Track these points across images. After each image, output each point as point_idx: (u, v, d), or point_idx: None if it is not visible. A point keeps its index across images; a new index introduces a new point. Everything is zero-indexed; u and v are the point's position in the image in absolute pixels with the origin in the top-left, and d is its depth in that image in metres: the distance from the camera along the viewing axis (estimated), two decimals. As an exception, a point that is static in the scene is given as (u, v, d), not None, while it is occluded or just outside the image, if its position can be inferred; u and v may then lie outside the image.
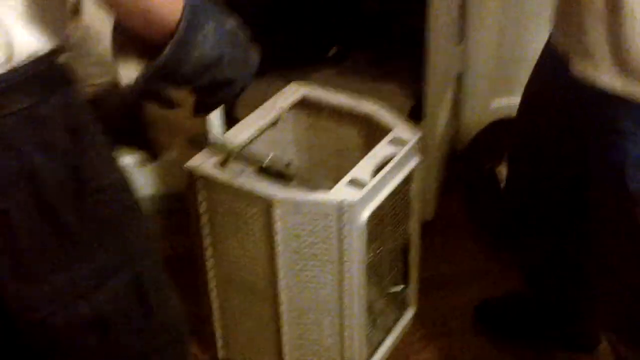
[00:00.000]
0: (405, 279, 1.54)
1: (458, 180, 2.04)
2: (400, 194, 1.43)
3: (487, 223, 1.91)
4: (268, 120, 1.51)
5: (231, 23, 0.90)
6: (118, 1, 0.79)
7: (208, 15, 0.84)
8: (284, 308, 1.41)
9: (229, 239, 1.40)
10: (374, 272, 1.49)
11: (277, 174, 1.34)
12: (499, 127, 2.05)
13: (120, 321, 0.93)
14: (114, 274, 0.90)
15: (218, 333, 1.56)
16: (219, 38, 0.87)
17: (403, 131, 1.45)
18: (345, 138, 1.56)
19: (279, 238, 1.33)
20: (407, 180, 1.44)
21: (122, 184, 0.93)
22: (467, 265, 1.83)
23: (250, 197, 1.31)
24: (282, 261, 1.35)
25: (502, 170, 1.87)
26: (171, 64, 0.83)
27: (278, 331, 1.44)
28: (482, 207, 1.86)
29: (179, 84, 0.88)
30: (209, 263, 1.46)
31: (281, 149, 1.54)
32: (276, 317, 1.42)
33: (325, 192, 1.30)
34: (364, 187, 1.31)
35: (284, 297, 1.40)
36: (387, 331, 1.59)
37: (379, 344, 1.56)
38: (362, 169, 1.35)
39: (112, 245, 0.90)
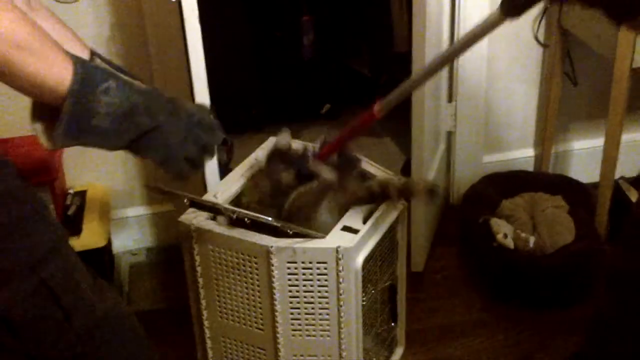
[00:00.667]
0: (394, 318, 1.59)
1: (450, 233, 2.07)
2: (388, 238, 1.49)
3: (482, 273, 1.92)
4: (249, 171, 1.55)
5: (136, 83, 1.02)
6: (11, 82, 0.89)
7: (106, 74, 0.96)
8: (282, 355, 1.44)
9: (225, 290, 1.43)
10: (367, 314, 1.54)
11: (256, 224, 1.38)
12: (492, 181, 2.13)
13: (35, 323, 1.04)
14: (16, 277, 1.01)
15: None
16: (126, 90, 0.98)
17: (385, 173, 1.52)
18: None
19: (276, 286, 1.37)
20: (393, 225, 1.51)
21: (12, 195, 1.02)
22: (460, 317, 1.83)
23: (248, 247, 1.36)
24: (280, 309, 1.39)
25: (496, 222, 1.94)
26: (79, 115, 0.93)
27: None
28: (477, 258, 1.87)
29: (101, 139, 0.97)
30: (205, 314, 1.49)
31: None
32: (273, 363, 1.46)
33: (321, 239, 1.35)
34: (358, 233, 1.37)
35: (282, 345, 1.43)
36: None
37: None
38: (353, 216, 1.41)
39: (8, 251, 1.00)
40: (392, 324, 1.60)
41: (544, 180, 2.16)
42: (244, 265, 1.38)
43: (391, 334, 1.65)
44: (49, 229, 1.05)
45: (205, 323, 1.50)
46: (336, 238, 1.35)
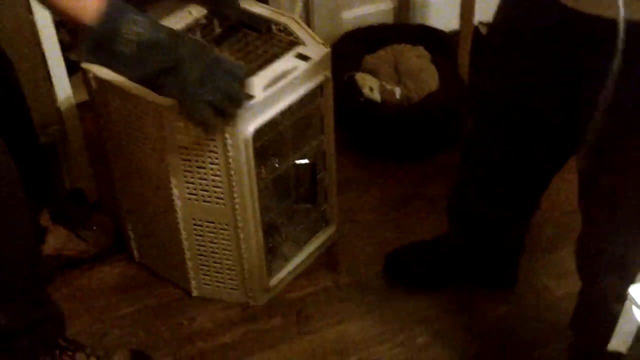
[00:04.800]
0: (312, 198, 1.52)
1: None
2: (302, 110, 1.39)
3: (352, 131, 1.87)
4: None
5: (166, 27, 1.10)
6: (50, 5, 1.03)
7: (137, 10, 1.05)
8: (179, 217, 1.42)
9: (128, 144, 1.40)
10: (273, 189, 1.47)
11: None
12: (353, 38, 2.05)
13: None
14: None
15: (131, 235, 1.59)
16: (154, 25, 1.06)
17: (311, 47, 1.39)
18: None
19: (167, 147, 1.31)
20: (312, 97, 1.40)
21: None
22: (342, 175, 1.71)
23: (137, 101, 1.30)
24: (172, 169, 1.35)
25: (361, 76, 1.86)
26: (103, 37, 1.02)
27: (179, 240, 1.45)
28: (345, 116, 1.79)
29: (122, 65, 1.07)
30: (113, 167, 1.47)
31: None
32: (173, 224, 1.43)
33: (210, 103, 1.27)
34: (252, 100, 1.27)
35: (179, 207, 1.40)
36: (302, 245, 1.59)
37: (291, 255, 1.56)
38: (256, 81, 1.31)
39: None
40: (309, 205, 1.53)
41: (404, 31, 2.08)
42: (136, 121, 1.33)
43: (314, 213, 1.58)
44: None
45: (116, 174, 1.49)
46: (225, 103, 1.27)
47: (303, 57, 1.37)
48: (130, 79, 1.12)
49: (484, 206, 1.36)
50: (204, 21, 1.47)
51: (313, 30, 2.01)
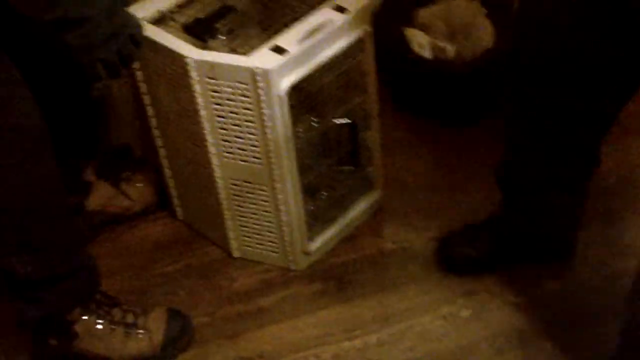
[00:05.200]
0: (355, 160, 1.44)
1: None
2: (340, 67, 1.32)
3: (402, 90, 1.76)
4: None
5: None
6: None
7: None
8: (217, 176, 1.38)
9: (165, 99, 1.36)
10: (311, 148, 1.41)
11: (201, 34, 1.27)
12: None
13: None
14: None
15: (173, 193, 1.57)
16: None
17: (352, -2, 1.31)
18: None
19: (200, 102, 1.27)
20: (351, 52, 1.32)
21: None
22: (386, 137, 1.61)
23: (169, 56, 1.25)
24: (208, 127, 1.30)
25: (411, 32, 1.72)
26: None
27: (218, 200, 1.42)
28: (394, 74, 1.69)
29: (29, 6, 1.01)
30: (153, 124, 1.44)
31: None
32: (212, 183, 1.40)
33: (243, 57, 1.21)
34: (284, 54, 1.21)
35: (215, 164, 1.36)
36: (345, 209, 1.52)
37: (333, 220, 1.50)
38: (290, 35, 1.24)
39: None
40: (351, 167, 1.46)
41: None
42: (169, 73, 1.29)
43: (358, 176, 1.51)
44: None
45: (155, 132, 1.46)
46: (257, 57, 1.21)
47: (340, 9, 1.29)
48: (34, 16, 1.05)
49: (538, 169, 1.27)
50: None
51: None
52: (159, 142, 1.48)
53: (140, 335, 1.29)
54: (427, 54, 1.71)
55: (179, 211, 1.59)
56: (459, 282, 1.42)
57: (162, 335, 1.31)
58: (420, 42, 1.73)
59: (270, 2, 1.37)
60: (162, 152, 1.49)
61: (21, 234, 1.14)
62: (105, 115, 1.71)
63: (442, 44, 1.70)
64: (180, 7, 1.37)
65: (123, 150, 1.73)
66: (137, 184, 1.61)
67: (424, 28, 1.78)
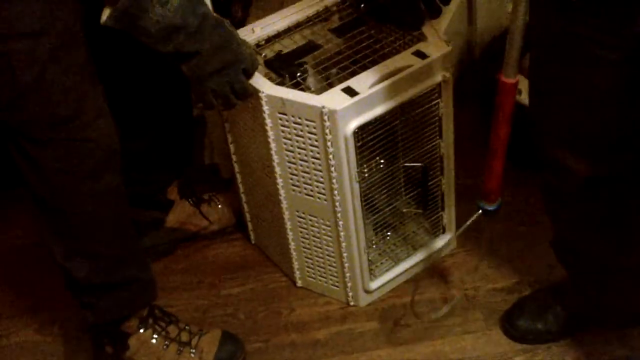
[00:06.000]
0: (424, 204, 1.43)
1: (471, 92, 1.82)
2: (415, 111, 1.32)
3: None
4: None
5: (203, 7, 1.13)
6: None
7: None
8: (284, 207, 1.41)
9: (243, 127, 1.41)
10: (390, 189, 1.41)
11: (279, 69, 1.31)
12: None
13: None
14: None
15: (248, 217, 1.61)
16: (186, 9, 1.10)
17: (433, 44, 1.31)
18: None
19: (271, 135, 1.31)
20: (428, 97, 1.32)
21: None
22: (471, 180, 1.62)
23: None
24: (277, 159, 1.34)
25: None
26: (132, 12, 1.06)
27: (284, 230, 1.45)
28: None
29: (145, 39, 1.10)
30: (231, 150, 1.50)
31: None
32: (279, 213, 1.43)
33: (313, 95, 1.24)
34: (355, 97, 1.23)
35: (282, 195, 1.39)
36: (412, 251, 1.52)
37: (399, 260, 1.50)
38: (364, 77, 1.26)
39: None
40: (420, 210, 1.45)
41: None
42: (248, 108, 1.34)
43: (428, 220, 1.50)
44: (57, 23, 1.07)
45: (234, 157, 1.51)
46: (327, 97, 1.23)
47: (421, 55, 1.29)
48: (150, 48, 1.14)
49: (590, 249, 1.21)
50: (334, 8, 1.45)
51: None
52: (236, 167, 1.53)
53: (192, 355, 1.34)
54: (526, 101, 1.67)
55: (252, 235, 1.64)
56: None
57: (213, 356, 1.35)
58: (520, 88, 1.70)
59: (357, 44, 1.40)
60: (239, 177, 1.55)
61: (81, 240, 1.22)
62: (200, 135, 1.80)
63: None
64: (268, 40, 1.42)
65: (211, 169, 1.80)
66: (218, 205, 1.67)
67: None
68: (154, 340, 1.32)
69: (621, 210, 1.14)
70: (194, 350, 1.34)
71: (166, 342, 1.33)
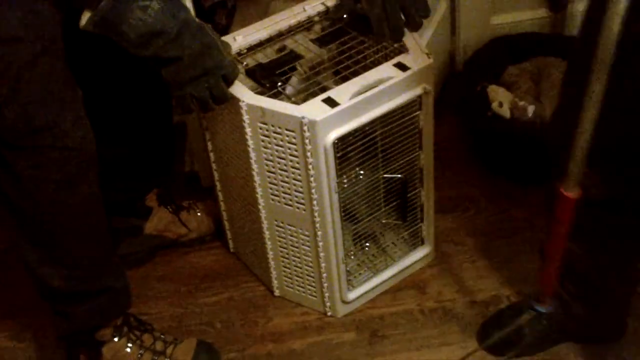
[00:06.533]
0: (403, 215, 1.44)
1: (452, 103, 1.88)
2: (398, 122, 1.32)
3: (476, 145, 1.74)
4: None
5: (184, 12, 1.13)
6: None
7: None
8: (262, 216, 1.40)
9: (220, 135, 1.41)
10: (370, 199, 1.41)
11: (260, 79, 1.31)
12: (499, 45, 1.87)
13: None
14: None
15: (227, 228, 1.61)
16: (166, 14, 1.10)
17: (414, 56, 1.31)
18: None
19: (250, 144, 1.31)
20: (408, 109, 1.32)
21: None
22: (452, 190, 1.68)
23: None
24: (256, 168, 1.34)
25: (494, 89, 1.70)
26: (112, 16, 1.07)
27: (263, 239, 1.45)
28: (471, 129, 1.68)
29: (125, 43, 1.10)
30: (211, 158, 1.49)
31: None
32: (258, 222, 1.42)
33: (293, 106, 1.24)
34: (335, 107, 1.23)
35: (261, 204, 1.39)
36: (390, 262, 1.51)
37: (377, 271, 1.50)
38: (345, 88, 1.26)
39: None
40: (399, 221, 1.45)
41: (557, 43, 1.86)
42: (227, 116, 1.33)
43: (407, 231, 1.50)
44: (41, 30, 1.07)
45: (215, 172, 1.50)
46: (307, 107, 1.23)
47: (402, 67, 1.29)
48: (130, 52, 1.14)
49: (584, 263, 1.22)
50: (317, 19, 1.45)
51: (458, 34, 1.97)
52: (216, 175, 1.52)
53: (166, 364, 1.33)
54: (505, 113, 1.69)
55: (231, 244, 1.63)
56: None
57: None
58: (500, 99, 1.71)
59: (339, 54, 1.40)
60: (218, 185, 1.54)
61: (56, 248, 1.21)
62: (181, 143, 1.79)
63: (522, 103, 1.68)
64: (250, 49, 1.42)
65: (191, 177, 1.79)
66: (198, 213, 1.66)
67: (510, 85, 1.77)
68: (128, 349, 1.31)
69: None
70: (168, 360, 1.33)
71: (140, 351, 1.31)
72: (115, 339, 1.30)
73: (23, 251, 1.22)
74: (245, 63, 1.37)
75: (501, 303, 1.46)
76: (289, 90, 1.35)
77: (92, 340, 1.30)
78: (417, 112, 1.34)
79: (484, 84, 1.77)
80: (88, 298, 1.26)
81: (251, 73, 1.35)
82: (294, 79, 1.37)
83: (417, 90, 1.31)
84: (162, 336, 1.36)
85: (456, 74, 2.00)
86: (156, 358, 1.32)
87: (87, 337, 1.30)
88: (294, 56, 1.39)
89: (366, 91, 1.26)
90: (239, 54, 1.40)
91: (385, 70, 1.29)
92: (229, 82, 1.23)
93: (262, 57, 1.40)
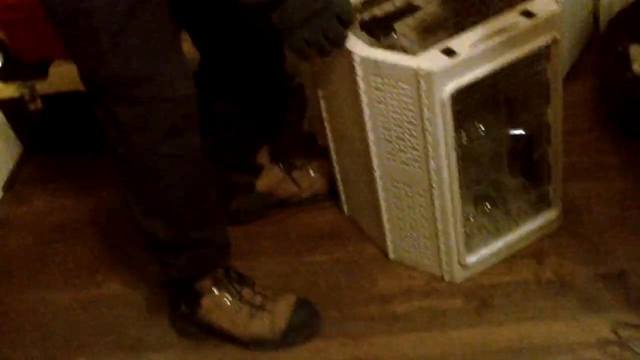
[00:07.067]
0: (528, 174, 1.33)
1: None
2: (525, 74, 1.22)
3: (614, 108, 1.60)
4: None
5: None
6: None
7: None
8: (377, 176, 1.35)
9: (334, 92, 1.36)
10: (493, 158, 1.32)
11: (374, 32, 1.25)
12: None
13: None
14: None
15: (340, 189, 1.57)
16: None
17: (542, 3, 1.21)
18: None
19: (364, 99, 1.25)
20: (534, 60, 1.22)
21: None
22: (585, 157, 1.55)
23: (339, 50, 1.24)
24: (370, 125, 1.28)
25: (636, 49, 1.54)
26: None
27: (377, 200, 1.40)
28: (609, 91, 1.52)
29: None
30: (325, 116, 1.45)
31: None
32: (372, 182, 1.37)
33: (408, 57, 1.17)
34: (454, 57, 1.15)
35: (376, 164, 1.33)
36: (514, 226, 1.42)
37: (498, 235, 1.41)
38: (466, 37, 1.18)
39: None
40: (524, 181, 1.35)
41: None
42: (341, 71, 1.28)
43: (534, 193, 1.39)
44: None
45: (327, 127, 1.46)
46: (423, 58, 1.16)
47: (528, 14, 1.19)
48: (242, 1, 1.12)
49: None
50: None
51: None
52: (329, 134, 1.48)
53: (264, 319, 1.32)
54: None
55: (345, 207, 1.59)
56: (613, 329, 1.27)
57: (285, 322, 1.32)
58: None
59: (459, 4, 1.32)
60: (332, 145, 1.50)
61: (158, 199, 1.22)
62: (300, 102, 1.76)
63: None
64: (365, 4, 1.36)
65: (308, 137, 1.76)
66: (311, 172, 1.63)
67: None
68: (227, 302, 1.31)
69: None
70: (267, 314, 1.32)
71: (240, 304, 1.31)
72: (215, 291, 1.31)
73: (130, 203, 1.24)
74: (359, 17, 1.32)
75: (629, 279, 1.35)
76: (405, 42, 1.28)
77: (192, 290, 1.31)
78: (545, 63, 1.24)
79: (626, 44, 1.64)
80: (187, 249, 1.27)
81: (365, 26, 1.29)
82: (411, 31, 1.30)
83: (545, 40, 1.20)
84: (262, 291, 1.35)
85: (599, 36, 1.86)
86: (255, 312, 1.31)
87: (188, 287, 1.31)
88: (411, 8, 1.32)
89: (488, 40, 1.17)
90: (355, 8, 1.35)
91: (510, 18, 1.20)
92: (344, 23, 1.17)
93: (379, 11, 1.34)
